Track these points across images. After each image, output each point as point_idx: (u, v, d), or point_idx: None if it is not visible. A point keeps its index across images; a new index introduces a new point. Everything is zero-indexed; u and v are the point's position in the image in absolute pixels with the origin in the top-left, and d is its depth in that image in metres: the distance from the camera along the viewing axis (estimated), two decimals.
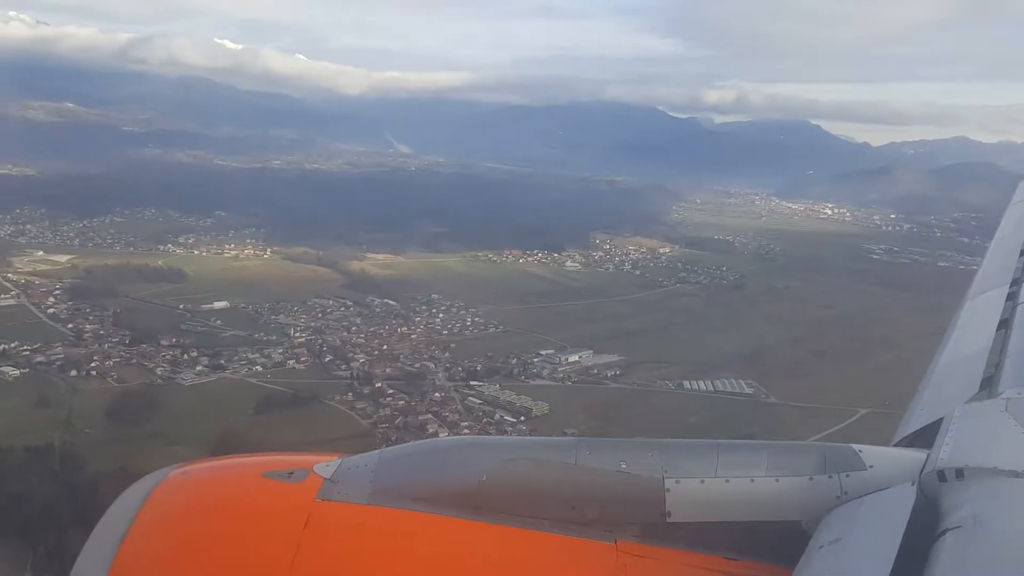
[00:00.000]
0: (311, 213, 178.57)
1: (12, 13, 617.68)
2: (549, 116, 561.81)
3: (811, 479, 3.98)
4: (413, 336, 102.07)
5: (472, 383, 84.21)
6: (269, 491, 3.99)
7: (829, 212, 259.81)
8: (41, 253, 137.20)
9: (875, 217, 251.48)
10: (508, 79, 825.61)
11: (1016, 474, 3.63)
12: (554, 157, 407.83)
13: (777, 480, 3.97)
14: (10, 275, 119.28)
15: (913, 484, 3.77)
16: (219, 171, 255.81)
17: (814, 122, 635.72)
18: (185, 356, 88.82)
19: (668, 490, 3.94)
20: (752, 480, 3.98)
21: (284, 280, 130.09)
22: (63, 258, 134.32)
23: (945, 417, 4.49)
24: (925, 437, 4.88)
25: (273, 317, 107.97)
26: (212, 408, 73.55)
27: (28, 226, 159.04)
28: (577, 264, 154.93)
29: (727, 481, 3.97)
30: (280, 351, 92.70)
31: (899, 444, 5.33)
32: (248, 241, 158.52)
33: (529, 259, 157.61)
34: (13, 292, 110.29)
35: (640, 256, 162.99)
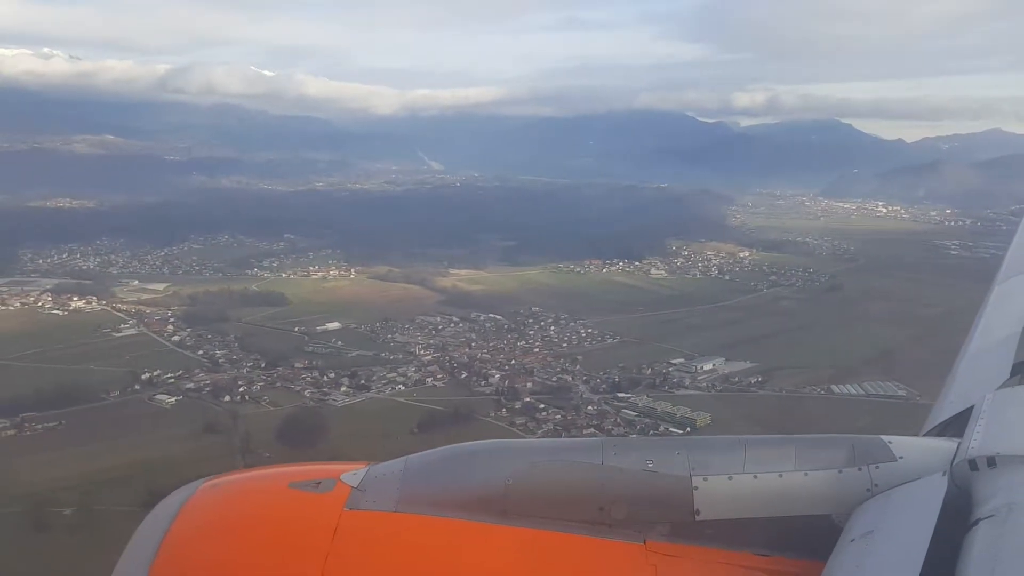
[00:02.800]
0: (376, 232, 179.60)
1: (46, 50, 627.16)
2: (579, 127, 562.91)
3: (840, 472, 3.95)
4: (535, 350, 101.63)
5: (619, 395, 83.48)
6: (297, 501, 4.02)
7: (884, 210, 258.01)
8: (137, 282, 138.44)
9: (932, 213, 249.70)
10: (537, 92, 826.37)
11: None
12: (588, 167, 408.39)
13: (806, 474, 3.95)
14: (118, 305, 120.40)
15: (944, 474, 3.73)
16: (269, 195, 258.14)
17: (844, 120, 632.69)
18: (324, 378, 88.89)
19: (696, 488, 3.93)
20: (780, 475, 3.96)
21: (381, 299, 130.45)
22: (159, 286, 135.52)
23: (975, 405, 4.44)
24: (956, 426, 4.76)
25: (389, 336, 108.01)
26: (376, 427, 73.18)
27: (112, 256, 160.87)
28: (662, 272, 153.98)
29: (755, 477, 3.95)
30: (413, 369, 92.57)
31: (929, 433, 5.23)
32: (329, 263, 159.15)
33: (611, 268, 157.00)
34: (130, 321, 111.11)
35: (721, 261, 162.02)
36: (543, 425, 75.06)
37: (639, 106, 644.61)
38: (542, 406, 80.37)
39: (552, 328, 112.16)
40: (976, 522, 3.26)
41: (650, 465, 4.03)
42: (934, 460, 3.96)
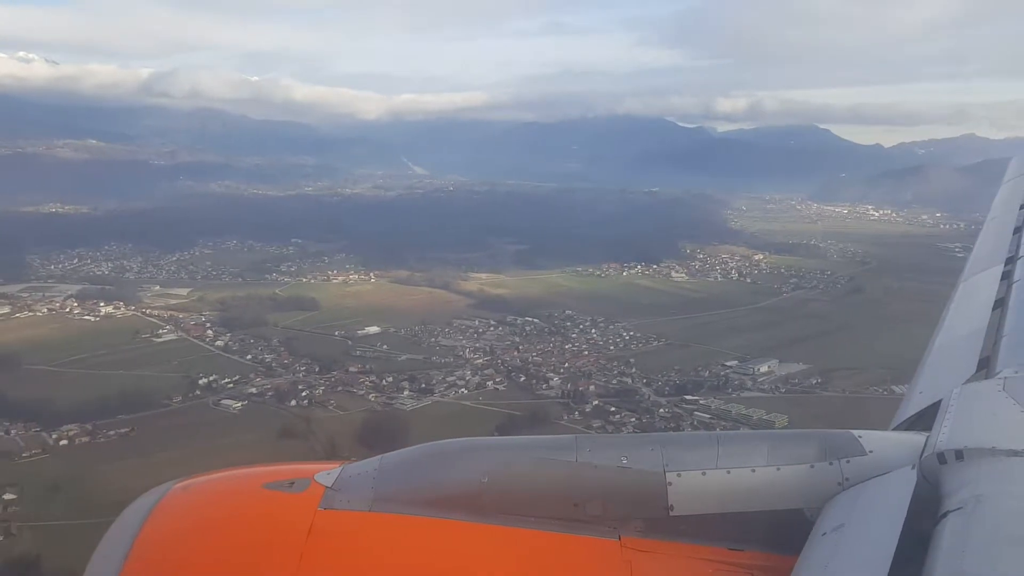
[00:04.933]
0: (384, 237, 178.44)
1: (21, 54, 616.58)
2: (562, 132, 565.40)
3: (812, 467, 4.04)
4: (585, 352, 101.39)
5: (685, 397, 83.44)
6: (271, 502, 4.00)
7: (876, 214, 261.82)
8: (158, 288, 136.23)
9: (923, 216, 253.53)
10: (520, 97, 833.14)
11: (1015, 453, 3.68)
12: (573, 172, 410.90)
13: (778, 469, 4.02)
14: (147, 311, 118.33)
15: (913, 467, 3.84)
16: (262, 200, 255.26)
17: (823, 126, 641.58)
18: (383, 382, 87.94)
19: (670, 484, 3.98)
20: (753, 470, 4.02)
21: (409, 303, 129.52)
22: (182, 291, 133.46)
23: (943, 399, 4.55)
24: (924, 420, 4.90)
25: (432, 340, 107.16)
26: (454, 431, 71.61)
27: (124, 262, 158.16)
28: (682, 275, 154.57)
29: (728, 472, 4.00)
30: (469, 373, 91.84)
31: (898, 428, 5.36)
32: (347, 267, 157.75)
33: (630, 272, 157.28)
34: (167, 327, 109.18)
35: (737, 264, 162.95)
36: (622, 428, 74.61)
37: (621, 111, 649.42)
38: (612, 409, 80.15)
39: (593, 331, 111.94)
40: (945, 514, 3.29)
41: (624, 461, 4.03)
42: (903, 454, 4.02)
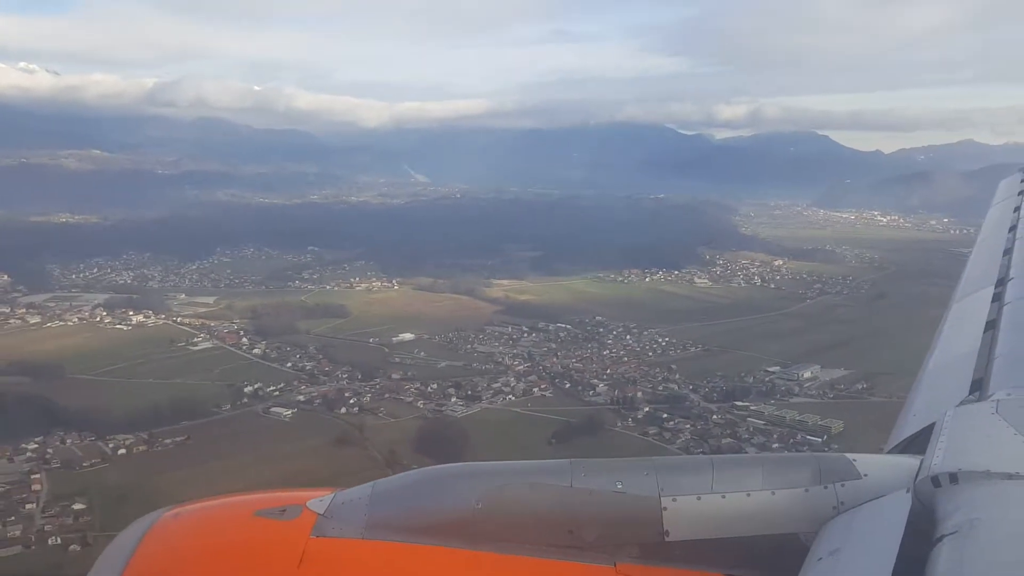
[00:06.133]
0: (399, 244, 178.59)
1: (24, 64, 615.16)
2: (563, 139, 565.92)
3: (807, 491, 4.02)
4: (625, 359, 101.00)
5: (736, 404, 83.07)
6: (262, 529, 3.96)
7: (883, 220, 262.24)
8: (183, 296, 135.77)
9: (931, 222, 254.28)
10: (521, 104, 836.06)
11: (1010, 476, 3.68)
12: (576, 179, 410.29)
13: (773, 493, 4.00)
14: (177, 319, 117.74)
15: (908, 491, 3.83)
16: (271, 209, 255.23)
17: (822, 132, 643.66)
18: (428, 389, 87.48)
19: (665, 509, 3.95)
20: (748, 494, 4.00)
21: (437, 310, 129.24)
22: (208, 299, 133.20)
23: (937, 421, 4.54)
24: (918, 443, 4.91)
25: (468, 347, 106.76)
26: (509, 438, 72.06)
27: (145, 271, 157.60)
28: (705, 280, 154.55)
29: (723, 497, 3.98)
30: (513, 379, 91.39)
31: (892, 451, 5.37)
32: (369, 274, 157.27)
33: (653, 278, 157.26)
34: (201, 335, 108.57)
35: (759, 270, 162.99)
36: (679, 436, 74.52)
37: (622, 118, 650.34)
38: (665, 416, 79.73)
39: (628, 337, 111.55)
40: (940, 538, 3.27)
41: (619, 486, 4.00)
42: (898, 477, 3.99)
